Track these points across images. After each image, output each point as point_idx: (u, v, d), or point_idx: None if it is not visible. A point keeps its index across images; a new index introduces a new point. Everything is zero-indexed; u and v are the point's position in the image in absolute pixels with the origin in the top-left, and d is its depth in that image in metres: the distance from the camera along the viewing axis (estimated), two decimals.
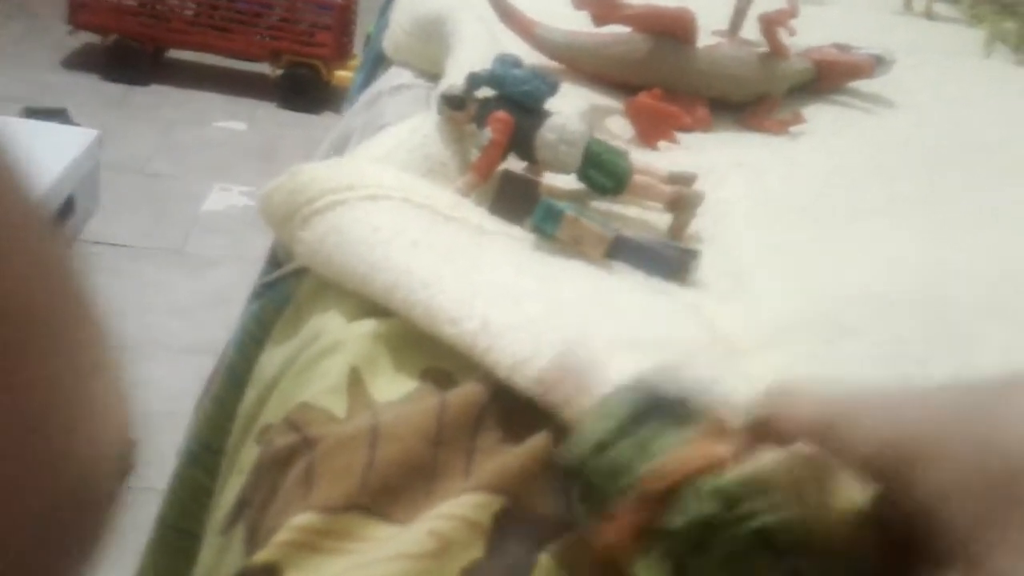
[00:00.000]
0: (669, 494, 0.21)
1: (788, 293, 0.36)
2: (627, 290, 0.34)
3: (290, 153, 1.97)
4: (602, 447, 0.23)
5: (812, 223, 0.43)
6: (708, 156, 0.49)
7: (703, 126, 0.54)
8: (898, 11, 0.93)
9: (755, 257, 0.39)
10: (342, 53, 2.22)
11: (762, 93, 0.56)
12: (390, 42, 0.61)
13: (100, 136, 1.63)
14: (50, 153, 1.53)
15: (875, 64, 0.58)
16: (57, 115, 1.87)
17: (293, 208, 0.37)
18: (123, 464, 0.19)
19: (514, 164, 0.43)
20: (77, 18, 2.21)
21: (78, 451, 0.16)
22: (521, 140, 0.41)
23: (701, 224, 0.41)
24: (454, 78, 0.45)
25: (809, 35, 0.60)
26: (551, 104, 0.42)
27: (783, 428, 0.22)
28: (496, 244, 0.36)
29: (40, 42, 2.31)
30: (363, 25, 2.14)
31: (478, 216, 0.38)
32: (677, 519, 0.21)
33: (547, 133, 0.41)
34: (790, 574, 0.20)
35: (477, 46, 0.48)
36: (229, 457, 0.38)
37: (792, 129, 0.55)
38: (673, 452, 0.22)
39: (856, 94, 0.60)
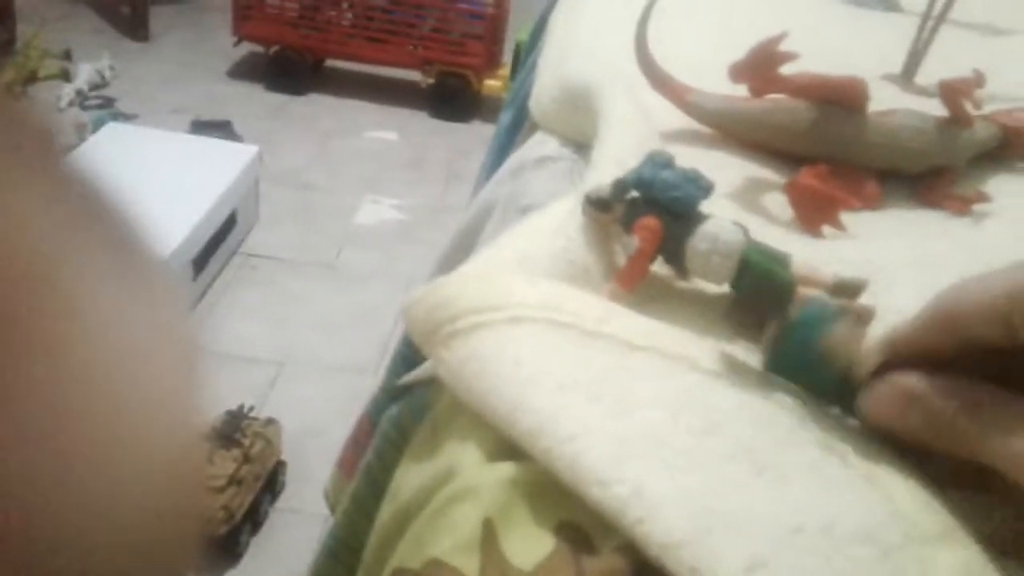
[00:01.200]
0: None
1: None
2: (796, 445, 0.31)
3: (439, 164, 2.00)
4: None
5: None
6: (878, 247, 0.45)
7: (872, 205, 0.50)
8: None
9: None
10: (491, 63, 2.23)
11: (940, 165, 0.51)
12: (536, 105, 0.60)
13: (261, 152, 1.70)
14: (216, 169, 1.61)
15: None
16: (222, 127, 1.97)
17: (434, 325, 0.36)
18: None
19: (661, 269, 0.41)
20: (242, 29, 2.32)
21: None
22: (671, 247, 0.39)
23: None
24: (601, 170, 0.43)
25: (995, 79, 0.54)
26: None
27: (964, 319, 0.28)
28: (648, 367, 0.33)
29: (207, 52, 2.44)
30: (512, 31, 2.14)
31: (626, 328, 0.35)
32: None
33: (699, 243, 0.38)
34: None
35: (627, 132, 0.46)
36: (364, 570, 0.37)
37: (975, 208, 0.49)
38: None
39: None
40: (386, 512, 0.38)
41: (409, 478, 0.37)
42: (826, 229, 0.47)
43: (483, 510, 0.30)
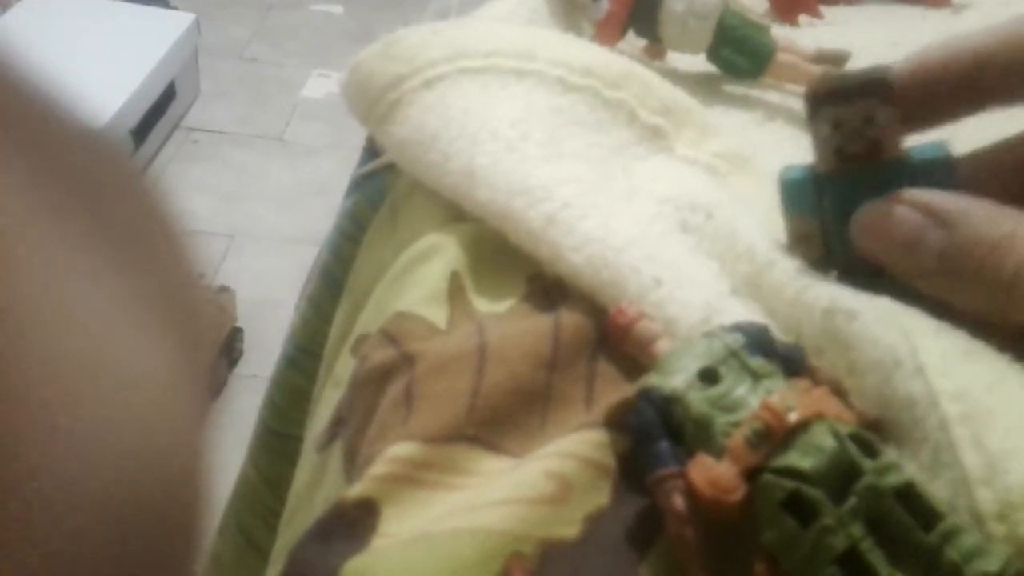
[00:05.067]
0: (793, 432, 0.18)
1: None
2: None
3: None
4: (709, 376, 0.19)
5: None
6: (858, 32, 0.43)
7: None
8: None
9: None
10: None
11: None
12: None
13: (197, 19, 1.61)
14: (150, 37, 1.53)
15: None
16: None
17: (366, 108, 0.32)
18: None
19: (632, 42, 0.38)
20: None
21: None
22: (642, 13, 0.36)
23: None
24: None
25: None
26: None
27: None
28: (581, 113, 0.30)
29: None
30: None
31: (559, 63, 0.31)
32: (807, 460, 0.17)
33: (674, 4, 0.35)
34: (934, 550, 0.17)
35: None
36: (325, 365, 0.35)
37: (955, 1, 0.47)
38: (792, 393, 0.18)
39: None
40: (346, 301, 0.36)
41: (368, 262, 0.35)
42: (803, 19, 0.45)
43: (449, 265, 0.28)
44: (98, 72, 1.38)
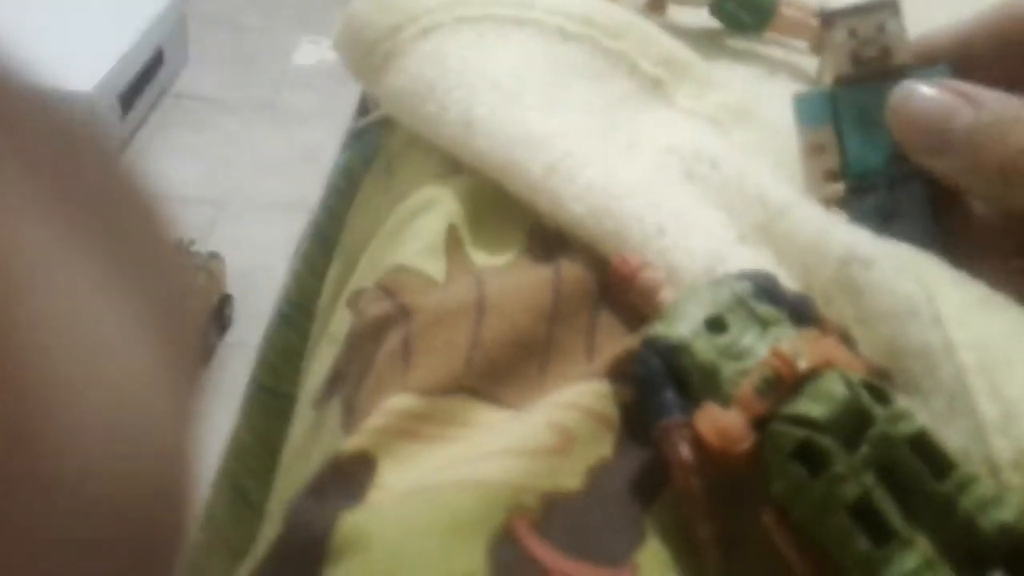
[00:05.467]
0: (803, 380, 0.17)
1: None
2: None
3: None
4: (716, 324, 0.19)
5: None
6: None
7: None
8: None
9: None
10: None
11: None
12: None
13: None
14: (137, 4, 1.50)
15: None
16: None
17: (359, 62, 0.32)
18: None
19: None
20: None
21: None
22: None
23: None
24: None
25: None
26: None
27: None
28: (580, 62, 0.30)
29: None
30: None
31: (558, 9, 0.31)
32: (817, 407, 0.17)
33: None
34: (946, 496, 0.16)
35: None
36: (320, 321, 0.35)
37: None
38: (801, 341, 0.18)
39: None
40: (340, 256, 0.35)
41: (362, 217, 0.34)
42: None
43: (446, 218, 0.28)
44: (85, 38, 1.36)
